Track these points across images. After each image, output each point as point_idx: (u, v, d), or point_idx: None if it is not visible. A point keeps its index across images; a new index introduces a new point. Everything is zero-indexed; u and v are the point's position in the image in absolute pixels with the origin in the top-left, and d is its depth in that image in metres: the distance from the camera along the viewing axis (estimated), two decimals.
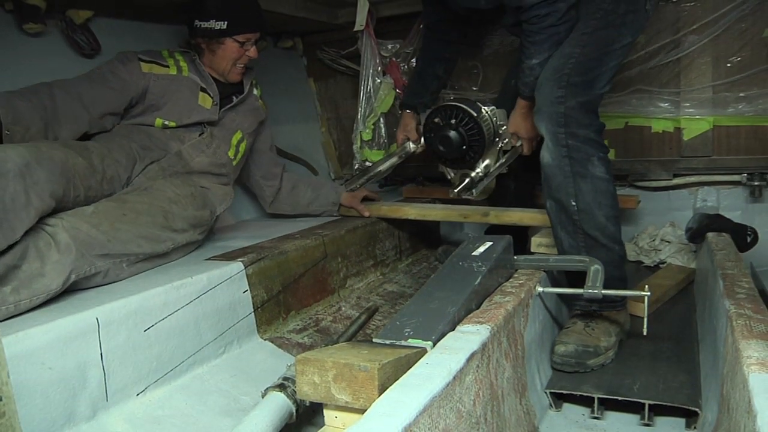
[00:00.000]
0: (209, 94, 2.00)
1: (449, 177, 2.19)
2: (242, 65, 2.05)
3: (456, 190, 2.03)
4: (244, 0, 2.01)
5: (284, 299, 1.77)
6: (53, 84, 1.70)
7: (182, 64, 1.98)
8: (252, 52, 2.03)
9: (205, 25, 1.94)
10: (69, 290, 1.36)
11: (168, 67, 1.95)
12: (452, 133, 2.07)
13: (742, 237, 2.06)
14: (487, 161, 2.07)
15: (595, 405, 1.40)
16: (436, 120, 2.12)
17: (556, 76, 1.60)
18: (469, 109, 2.04)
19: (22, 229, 1.26)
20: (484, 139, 2.03)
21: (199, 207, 1.77)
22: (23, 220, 1.26)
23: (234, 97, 2.09)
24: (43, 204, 1.32)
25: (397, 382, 0.91)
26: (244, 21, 1.98)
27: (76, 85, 1.75)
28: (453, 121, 2.07)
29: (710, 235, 2.04)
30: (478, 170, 1.97)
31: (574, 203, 1.56)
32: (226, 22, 1.93)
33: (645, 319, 1.42)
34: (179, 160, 1.90)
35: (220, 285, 1.53)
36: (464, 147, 2.08)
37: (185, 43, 2.13)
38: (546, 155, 1.60)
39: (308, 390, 0.98)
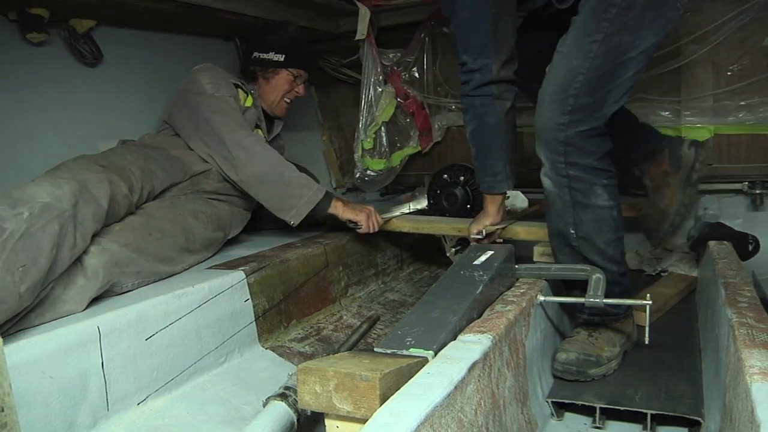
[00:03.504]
0: (261, 129, 2.15)
1: (444, 241, 2.17)
2: (289, 100, 2.23)
3: (453, 249, 2.08)
4: (301, 40, 2.24)
5: (285, 308, 1.77)
6: None
7: (250, 97, 2.13)
8: (300, 89, 2.24)
9: (263, 56, 2.16)
10: None
11: (247, 95, 2.12)
12: (458, 191, 2.24)
13: (744, 245, 2.06)
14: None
15: (597, 414, 1.39)
16: (445, 177, 2.27)
17: (560, 97, 1.42)
18: None
19: (62, 271, 1.25)
20: None
21: (216, 228, 1.83)
22: (65, 263, 1.26)
23: (268, 134, 2.22)
24: (84, 245, 1.33)
25: (398, 391, 0.90)
26: (299, 57, 2.21)
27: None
28: (461, 178, 2.23)
29: (712, 243, 2.04)
30: (473, 236, 1.95)
31: (573, 231, 1.50)
32: (283, 56, 2.16)
33: (647, 328, 1.42)
34: (213, 179, 1.94)
35: (221, 294, 1.53)
36: (468, 206, 2.22)
37: (240, 72, 2.25)
38: (546, 181, 1.50)
39: (309, 399, 0.98)
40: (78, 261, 1.32)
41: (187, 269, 1.69)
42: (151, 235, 1.54)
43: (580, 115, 1.41)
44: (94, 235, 1.39)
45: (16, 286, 1.11)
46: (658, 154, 1.88)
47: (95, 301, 1.38)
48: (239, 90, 2.08)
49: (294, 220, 1.89)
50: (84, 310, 1.30)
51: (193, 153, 1.94)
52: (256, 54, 2.17)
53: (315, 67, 2.36)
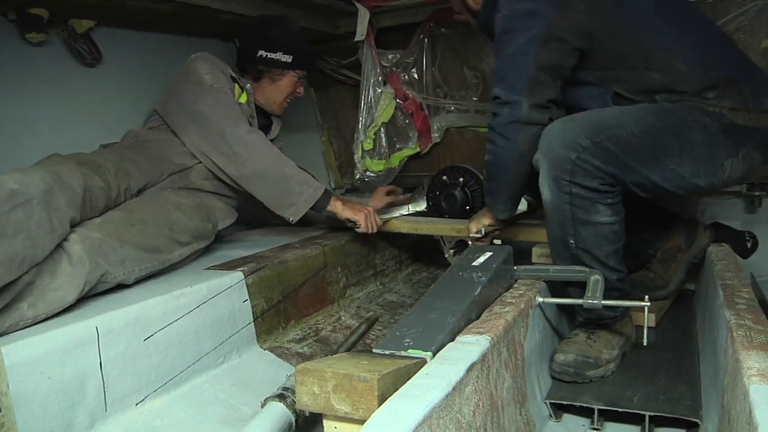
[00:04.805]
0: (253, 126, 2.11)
1: (442, 243, 2.17)
2: (290, 100, 2.22)
3: (452, 251, 2.08)
4: (305, 40, 2.22)
5: (284, 309, 1.77)
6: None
7: (244, 93, 2.10)
8: (301, 89, 2.24)
9: (271, 56, 2.11)
10: None
11: (242, 91, 2.09)
12: (458, 192, 2.21)
13: (742, 243, 2.05)
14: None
15: (595, 416, 1.39)
16: (444, 178, 2.25)
17: (595, 127, 1.40)
18: (476, 173, 2.19)
19: (44, 255, 1.26)
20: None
21: (203, 219, 1.80)
22: (46, 247, 1.26)
23: (266, 132, 2.18)
24: (63, 230, 1.33)
25: (396, 392, 0.91)
26: (306, 58, 2.20)
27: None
28: (461, 180, 2.20)
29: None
30: (472, 234, 1.94)
31: (572, 242, 1.49)
32: (291, 57, 2.13)
33: (645, 330, 1.42)
34: (197, 176, 1.92)
35: (219, 294, 1.53)
36: (467, 207, 2.19)
37: (237, 68, 2.20)
38: (546, 192, 1.47)
39: (308, 400, 0.98)
40: (61, 248, 1.32)
41: (184, 259, 1.69)
42: (134, 227, 1.53)
43: (599, 152, 1.38)
44: (75, 226, 1.40)
45: None
46: (675, 233, 1.94)
47: (93, 300, 1.38)
48: (235, 84, 2.05)
49: (293, 216, 1.88)
50: (76, 299, 1.30)
51: (177, 149, 1.90)
52: (262, 53, 2.10)
53: (316, 67, 2.34)
